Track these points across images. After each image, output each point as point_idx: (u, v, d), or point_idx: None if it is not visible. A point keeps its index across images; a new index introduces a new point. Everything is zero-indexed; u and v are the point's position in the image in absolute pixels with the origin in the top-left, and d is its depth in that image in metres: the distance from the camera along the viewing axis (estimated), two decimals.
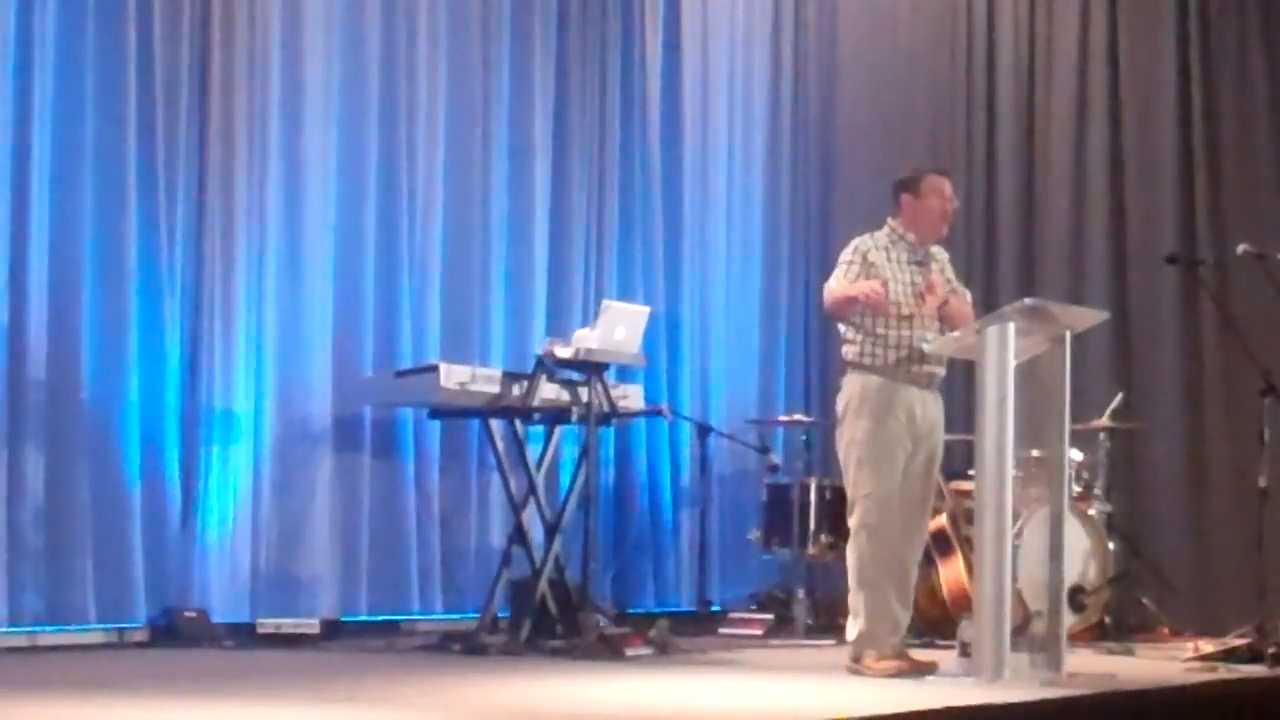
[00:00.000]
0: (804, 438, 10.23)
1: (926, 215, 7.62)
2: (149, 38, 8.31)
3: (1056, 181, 11.34)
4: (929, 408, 7.54)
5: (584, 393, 8.52)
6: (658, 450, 10.49)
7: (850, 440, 7.46)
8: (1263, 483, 8.46)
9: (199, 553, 8.41)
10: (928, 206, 7.62)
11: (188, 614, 8.22)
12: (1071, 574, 8.52)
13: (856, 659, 7.40)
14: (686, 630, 9.22)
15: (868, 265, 7.49)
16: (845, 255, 7.58)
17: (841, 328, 7.57)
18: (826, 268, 10.85)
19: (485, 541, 9.45)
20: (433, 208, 9.47)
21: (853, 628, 7.42)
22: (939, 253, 7.74)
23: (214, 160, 8.55)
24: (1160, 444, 10.79)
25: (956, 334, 7.44)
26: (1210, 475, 10.74)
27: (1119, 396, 9.99)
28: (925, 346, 7.45)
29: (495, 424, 8.68)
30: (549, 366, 8.51)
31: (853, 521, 7.45)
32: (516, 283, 9.82)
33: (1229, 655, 8.08)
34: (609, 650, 8.06)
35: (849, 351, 7.53)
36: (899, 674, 7.26)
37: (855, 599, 7.41)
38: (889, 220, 7.65)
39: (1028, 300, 7.62)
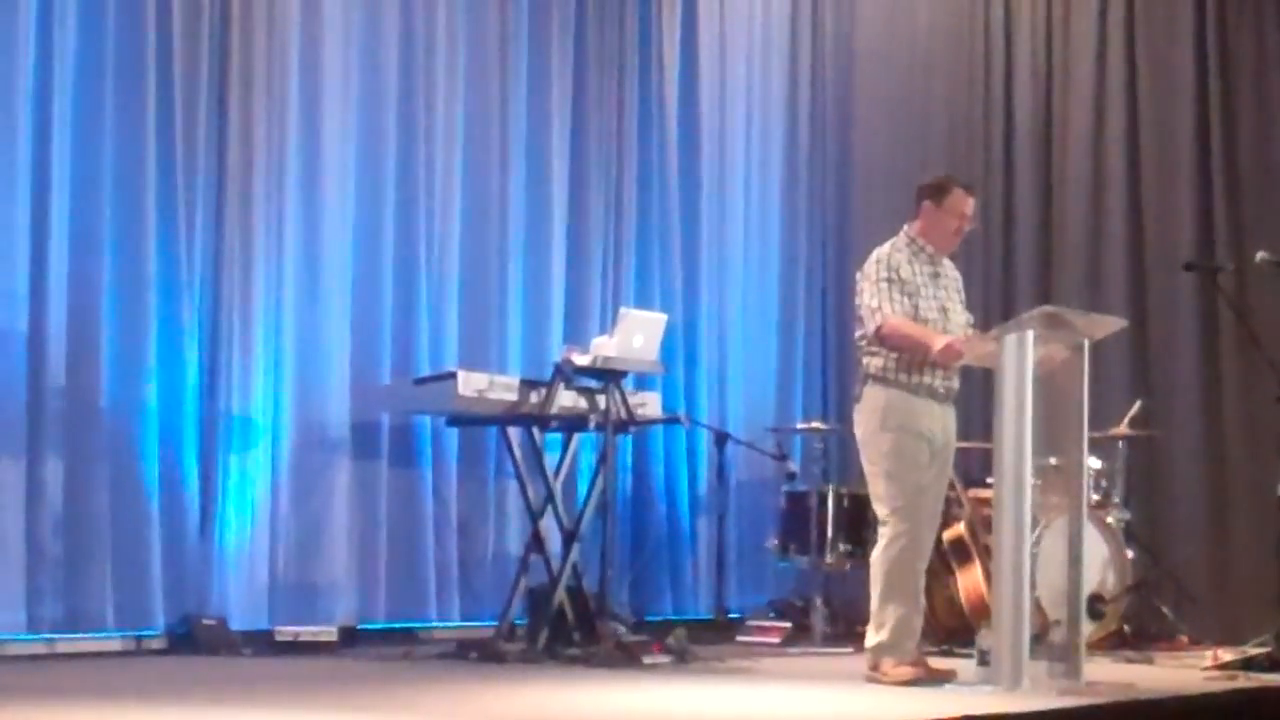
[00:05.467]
0: (821, 445, 10.22)
1: (942, 228, 7.60)
2: (168, 47, 8.33)
3: (1074, 189, 11.31)
4: (947, 422, 7.54)
5: (602, 400, 8.52)
6: (675, 458, 10.49)
7: (877, 453, 7.44)
8: None
9: (217, 560, 8.42)
10: (945, 221, 7.59)
11: (206, 621, 8.23)
12: (1090, 582, 8.50)
13: (875, 667, 7.38)
14: (704, 638, 9.21)
15: (901, 282, 7.45)
16: (877, 271, 7.47)
17: (864, 340, 7.52)
18: (843, 276, 10.95)
19: (503, 549, 9.45)
20: (450, 215, 9.48)
21: (873, 637, 7.40)
22: (950, 268, 7.71)
23: (233, 168, 8.57)
24: (1179, 451, 10.76)
25: (977, 335, 7.46)
26: (1229, 483, 10.70)
27: (1137, 404, 9.96)
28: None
29: (513, 431, 8.68)
30: (567, 374, 8.51)
31: (885, 533, 7.41)
32: (534, 290, 9.83)
33: (1248, 664, 8.05)
34: (627, 658, 8.06)
35: (873, 364, 7.47)
36: (916, 681, 7.25)
37: (882, 611, 7.38)
38: (905, 228, 7.62)
39: (1046, 308, 7.61)
